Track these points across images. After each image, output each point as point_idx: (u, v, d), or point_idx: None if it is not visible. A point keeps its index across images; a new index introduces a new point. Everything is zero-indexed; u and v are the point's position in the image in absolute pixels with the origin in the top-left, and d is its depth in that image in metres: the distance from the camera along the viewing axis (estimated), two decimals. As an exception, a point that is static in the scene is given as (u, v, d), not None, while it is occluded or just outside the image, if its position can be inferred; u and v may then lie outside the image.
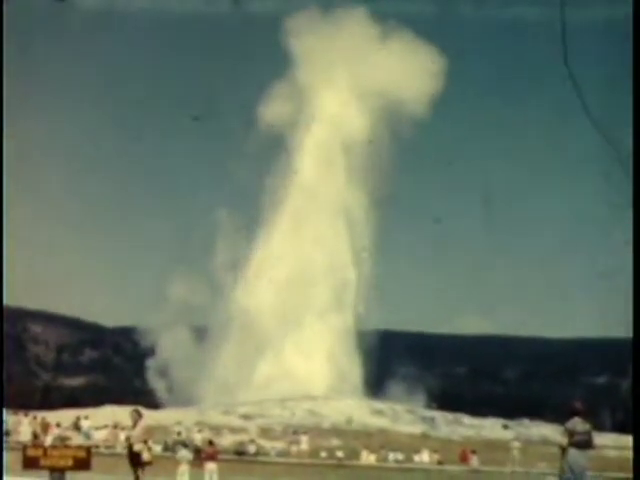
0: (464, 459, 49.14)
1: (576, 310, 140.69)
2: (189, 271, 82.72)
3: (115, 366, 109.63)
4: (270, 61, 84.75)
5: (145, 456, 17.13)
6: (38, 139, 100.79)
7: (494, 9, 66.42)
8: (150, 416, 21.63)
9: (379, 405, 69.04)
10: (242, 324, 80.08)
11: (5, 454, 20.63)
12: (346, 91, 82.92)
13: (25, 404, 57.04)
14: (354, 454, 49.73)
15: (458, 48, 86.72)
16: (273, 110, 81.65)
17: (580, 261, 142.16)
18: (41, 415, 48.79)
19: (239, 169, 78.82)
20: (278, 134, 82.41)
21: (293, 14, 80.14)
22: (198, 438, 47.27)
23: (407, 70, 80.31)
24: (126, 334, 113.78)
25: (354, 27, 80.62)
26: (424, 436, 58.40)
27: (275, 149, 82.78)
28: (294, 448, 52.05)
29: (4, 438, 28.61)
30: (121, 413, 50.35)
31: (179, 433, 47.36)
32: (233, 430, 55.93)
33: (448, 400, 75.50)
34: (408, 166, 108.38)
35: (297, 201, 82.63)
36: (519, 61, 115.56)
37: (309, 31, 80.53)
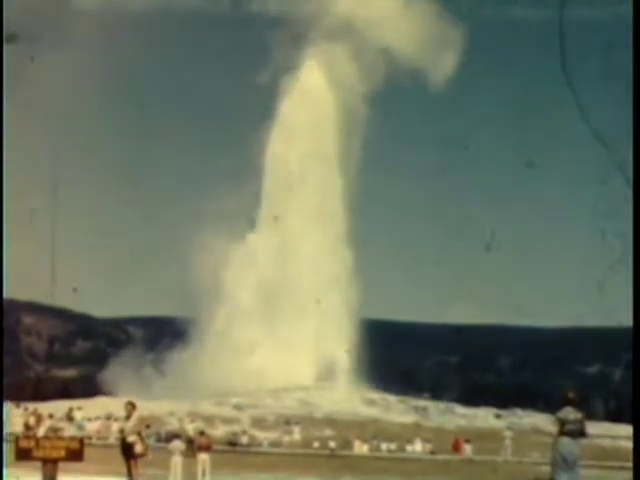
0: (457, 448, 49.32)
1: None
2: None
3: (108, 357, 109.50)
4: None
5: (138, 448, 17.09)
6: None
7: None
8: (143, 407, 21.64)
9: (371, 395, 69.08)
10: (231, 314, 79.74)
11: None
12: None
13: (17, 395, 56.97)
14: (347, 444, 49.84)
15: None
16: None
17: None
18: (33, 406, 48.79)
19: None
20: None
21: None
22: (190, 429, 47.31)
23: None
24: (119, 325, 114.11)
25: None
26: (416, 426, 58.47)
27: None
28: (286, 438, 52.14)
29: (4, 429, 28.54)
30: (114, 404, 50.40)
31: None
32: (225, 421, 55.95)
33: (440, 390, 75.54)
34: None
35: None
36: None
37: None
